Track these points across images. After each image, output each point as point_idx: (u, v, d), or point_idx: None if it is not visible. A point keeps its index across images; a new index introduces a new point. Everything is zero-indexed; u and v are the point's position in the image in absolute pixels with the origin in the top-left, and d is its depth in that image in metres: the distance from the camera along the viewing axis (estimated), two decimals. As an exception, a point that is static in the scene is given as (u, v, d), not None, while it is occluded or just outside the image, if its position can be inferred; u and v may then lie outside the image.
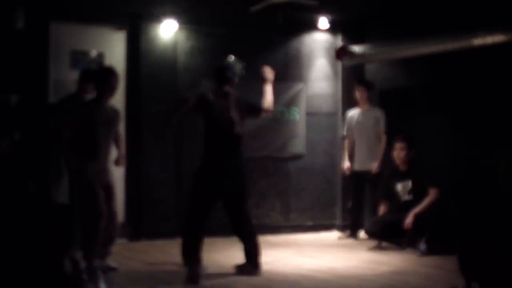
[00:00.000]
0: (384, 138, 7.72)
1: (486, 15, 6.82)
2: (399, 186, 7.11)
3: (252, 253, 5.79)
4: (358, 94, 7.89)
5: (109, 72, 5.89)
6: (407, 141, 7.08)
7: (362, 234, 7.87)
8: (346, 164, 7.96)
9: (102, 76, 5.85)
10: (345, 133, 8.08)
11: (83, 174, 5.58)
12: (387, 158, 7.71)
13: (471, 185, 7.08)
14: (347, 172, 7.97)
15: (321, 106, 8.64)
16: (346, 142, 8.03)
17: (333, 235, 8.14)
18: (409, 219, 6.80)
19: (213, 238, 7.86)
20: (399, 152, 7.09)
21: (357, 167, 7.89)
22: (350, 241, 7.79)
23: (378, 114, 7.82)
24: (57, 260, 3.98)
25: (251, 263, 5.78)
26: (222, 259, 6.50)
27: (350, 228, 8.00)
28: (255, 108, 5.94)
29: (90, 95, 6.87)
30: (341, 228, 8.38)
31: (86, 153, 5.63)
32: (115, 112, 5.97)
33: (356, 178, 7.92)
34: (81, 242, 5.54)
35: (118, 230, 6.06)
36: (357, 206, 7.95)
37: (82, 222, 5.50)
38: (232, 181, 5.72)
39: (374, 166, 7.69)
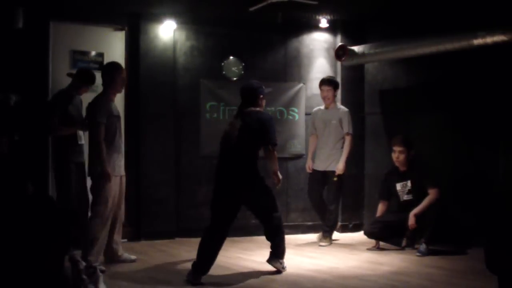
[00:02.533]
0: (349, 139, 7.52)
1: (486, 15, 6.82)
2: (399, 186, 7.11)
3: (276, 251, 5.90)
4: (323, 93, 7.66)
5: (113, 67, 6.17)
6: (405, 144, 7.06)
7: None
8: (309, 162, 7.78)
9: (108, 71, 6.11)
10: (310, 131, 7.97)
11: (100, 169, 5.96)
12: (386, 159, 7.71)
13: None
14: (309, 170, 7.75)
15: (320, 106, 8.62)
16: (311, 140, 7.88)
17: (333, 235, 8.11)
18: (411, 220, 6.79)
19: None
20: (398, 155, 7.08)
21: (318, 166, 7.67)
22: (349, 241, 7.78)
23: (342, 114, 7.61)
24: (57, 260, 3.97)
25: (275, 259, 5.88)
26: (222, 259, 6.49)
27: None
28: (265, 140, 5.78)
29: (80, 95, 6.92)
30: (340, 228, 8.37)
31: (109, 146, 6.00)
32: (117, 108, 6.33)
33: (315, 177, 7.68)
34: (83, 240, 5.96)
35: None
36: (322, 206, 7.68)
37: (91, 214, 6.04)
38: (240, 192, 5.73)
39: (338, 167, 7.47)
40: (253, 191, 5.72)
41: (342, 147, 7.56)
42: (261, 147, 5.80)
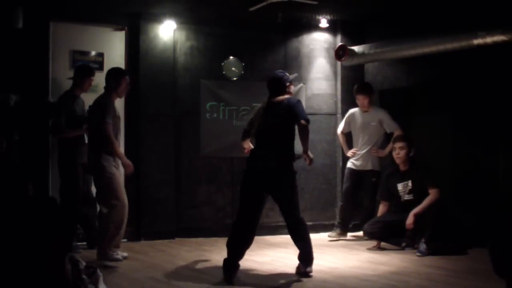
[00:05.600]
0: (398, 132, 7.59)
1: (486, 15, 6.82)
2: (400, 186, 7.10)
3: (303, 254, 5.77)
4: (359, 101, 7.80)
5: (120, 73, 6.44)
6: (406, 141, 7.07)
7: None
8: (348, 150, 7.95)
9: (114, 75, 6.35)
10: (341, 129, 8.06)
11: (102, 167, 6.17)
12: (386, 159, 7.71)
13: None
14: (351, 154, 7.87)
15: (320, 106, 8.63)
16: (341, 136, 8.05)
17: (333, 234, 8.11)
18: (410, 220, 6.80)
19: (214, 238, 7.87)
20: (398, 152, 7.08)
21: (355, 166, 7.88)
22: (349, 241, 7.78)
23: (381, 114, 7.79)
24: (57, 260, 3.97)
25: (304, 263, 5.76)
26: (222, 259, 6.49)
27: (341, 227, 7.95)
28: (295, 117, 5.68)
29: (86, 91, 6.98)
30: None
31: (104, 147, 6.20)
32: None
33: (355, 177, 7.88)
34: (101, 233, 6.25)
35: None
36: (351, 205, 7.91)
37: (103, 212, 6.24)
38: (270, 182, 5.65)
39: (383, 151, 7.72)
40: (283, 180, 5.63)
41: (379, 146, 7.79)
42: (293, 133, 5.73)
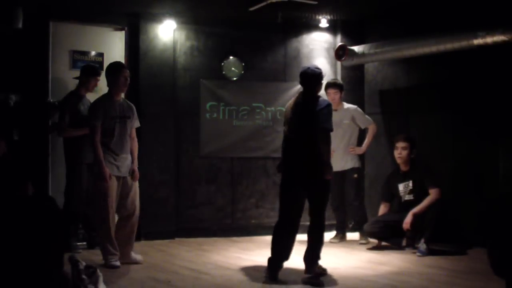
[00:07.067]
0: (374, 127, 7.63)
1: (486, 15, 6.82)
2: (401, 187, 7.10)
3: (310, 256, 5.70)
4: (330, 96, 7.61)
5: (115, 67, 6.25)
6: (409, 141, 7.07)
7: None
8: None
9: (110, 71, 6.19)
10: None
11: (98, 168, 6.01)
12: (386, 159, 7.71)
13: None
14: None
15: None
16: None
17: (333, 235, 8.10)
18: (408, 219, 6.80)
19: (214, 238, 7.87)
20: (400, 151, 7.08)
21: (335, 167, 7.74)
22: (349, 241, 7.76)
23: (353, 111, 7.68)
24: (56, 260, 3.97)
25: (308, 266, 5.68)
26: (221, 259, 6.49)
27: (340, 231, 7.84)
28: (318, 122, 5.54)
29: (91, 91, 7.00)
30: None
31: (104, 147, 6.04)
32: (129, 106, 6.34)
33: (337, 180, 7.63)
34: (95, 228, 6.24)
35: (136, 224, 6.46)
36: (342, 208, 7.79)
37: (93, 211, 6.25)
38: (306, 180, 5.62)
39: (361, 148, 7.68)
40: (315, 177, 5.57)
41: (355, 144, 7.70)
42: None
